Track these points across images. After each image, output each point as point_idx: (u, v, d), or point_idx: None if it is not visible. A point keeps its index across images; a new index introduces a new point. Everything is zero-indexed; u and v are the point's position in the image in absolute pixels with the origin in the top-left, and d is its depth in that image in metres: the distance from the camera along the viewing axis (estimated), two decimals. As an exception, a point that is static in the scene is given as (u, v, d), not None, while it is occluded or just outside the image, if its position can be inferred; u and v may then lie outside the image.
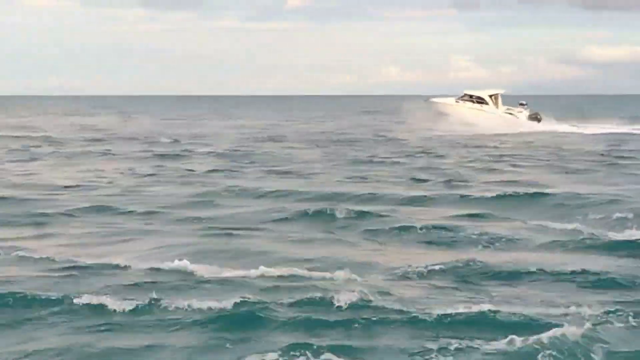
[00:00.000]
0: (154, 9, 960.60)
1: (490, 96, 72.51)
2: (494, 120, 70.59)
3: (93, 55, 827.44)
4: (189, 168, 38.14)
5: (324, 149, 50.44)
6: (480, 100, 72.36)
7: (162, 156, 44.94)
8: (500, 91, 73.57)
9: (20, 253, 18.08)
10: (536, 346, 11.47)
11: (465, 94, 73.44)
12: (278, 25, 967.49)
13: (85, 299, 13.71)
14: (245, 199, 27.39)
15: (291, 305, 13.62)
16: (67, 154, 46.50)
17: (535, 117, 71.76)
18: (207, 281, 15.49)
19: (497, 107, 72.57)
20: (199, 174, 35.66)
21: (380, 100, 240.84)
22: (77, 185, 30.77)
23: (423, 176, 34.40)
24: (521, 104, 73.25)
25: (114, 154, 46.66)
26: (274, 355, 11.27)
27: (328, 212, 23.52)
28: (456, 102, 73.33)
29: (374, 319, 12.86)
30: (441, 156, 45.52)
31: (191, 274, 16.02)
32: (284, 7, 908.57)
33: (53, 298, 13.92)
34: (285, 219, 23.05)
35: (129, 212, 24.32)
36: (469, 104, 72.66)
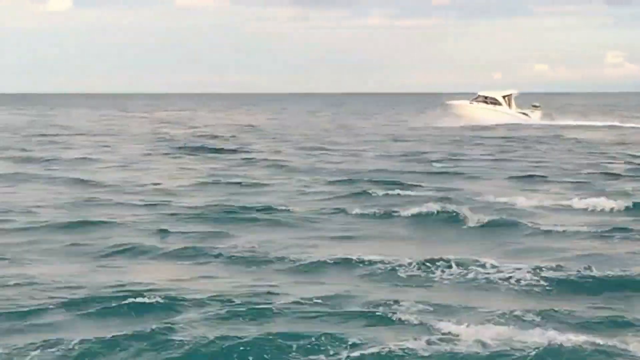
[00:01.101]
0: (303, 7, 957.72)
1: (504, 97, 75.38)
2: (506, 119, 73.28)
3: (244, 53, 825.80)
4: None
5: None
6: (494, 101, 75.16)
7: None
8: (514, 92, 76.47)
9: None
10: None
11: (479, 95, 76.34)
12: (424, 22, 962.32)
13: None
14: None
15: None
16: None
17: (547, 118, 74.64)
18: None
19: (510, 107, 75.35)
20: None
21: (533, 98, 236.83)
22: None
23: None
24: (534, 106, 76.39)
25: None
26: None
27: None
28: (470, 103, 76.08)
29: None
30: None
31: None
32: (431, 4, 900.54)
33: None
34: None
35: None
36: (483, 104, 75.42)
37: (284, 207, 23.02)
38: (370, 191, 26.37)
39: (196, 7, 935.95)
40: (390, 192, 26.26)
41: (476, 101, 76.11)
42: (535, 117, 74.64)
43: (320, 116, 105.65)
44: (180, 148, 46.19)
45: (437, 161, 38.69)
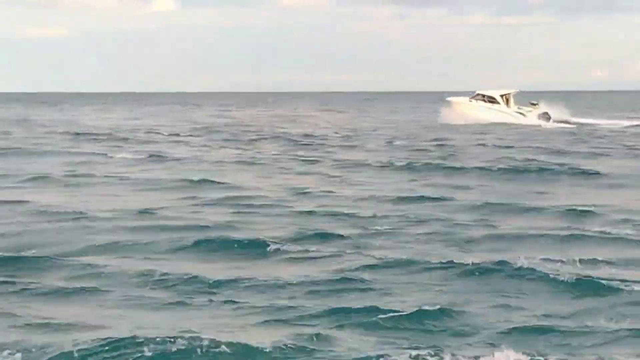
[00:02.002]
0: (401, 5, 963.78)
1: (502, 96, 75.29)
2: (503, 118, 73.38)
3: (347, 52, 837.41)
4: None
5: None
6: (492, 100, 75.25)
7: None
8: (512, 91, 76.25)
9: None
10: None
11: (478, 94, 76.33)
12: (524, 20, 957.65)
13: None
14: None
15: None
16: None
17: (544, 116, 74.40)
18: None
19: (508, 106, 75.35)
20: None
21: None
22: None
23: None
24: (532, 104, 76.11)
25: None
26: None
27: None
28: (469, 101, 76.32)
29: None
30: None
31: None
32: (530, 2, 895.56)
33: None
34: None
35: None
36: (481, 102, 75.57)
37: None
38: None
39: (300, 6, 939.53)
40: None
41: (475, 99, 76.29)
42: (532, 115, 74.46)
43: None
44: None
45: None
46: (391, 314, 12.33)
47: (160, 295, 13.84)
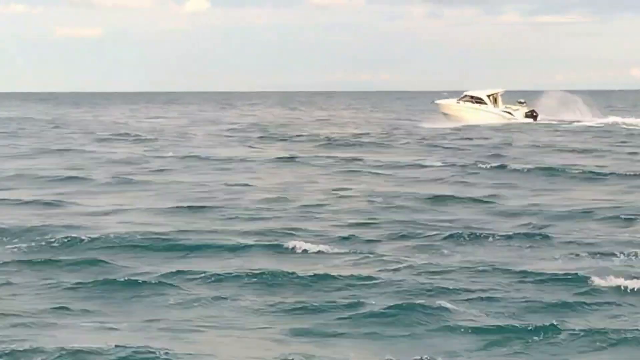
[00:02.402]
0: (438, 4, 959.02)
1: (489, 96, 75.88)
2: (490, 118, 74.00)
3: (380, 51, 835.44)
4: None
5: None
6: (479, 101, 75.83)
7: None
8: (499, 91, 76.86)
9: None
10: None
11: (466, 95, 76.95)
12: (559, 19, 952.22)
13: None
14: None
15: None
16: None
17: (531, 115, 75.05)
18: None
19: (496, 106, 75.94)
20: None
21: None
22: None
23: None
24: (519, 102, 76.81)
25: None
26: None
27: None
28: (457, 103, 76.92)
29: None
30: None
31: None
32: (566, 0, 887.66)
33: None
34: None
35: None
36: (469, 104, 76.15)
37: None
38: None
39: (332, 5, 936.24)
40: None
41: (463, 101, 76.87)
42: (519, 115, 75.07)
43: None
44: None
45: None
46: None
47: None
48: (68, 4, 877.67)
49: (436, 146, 49.71)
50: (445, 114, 76.59)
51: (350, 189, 29.36)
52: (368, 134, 62.24)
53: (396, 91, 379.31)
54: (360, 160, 40.44)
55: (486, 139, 55.79)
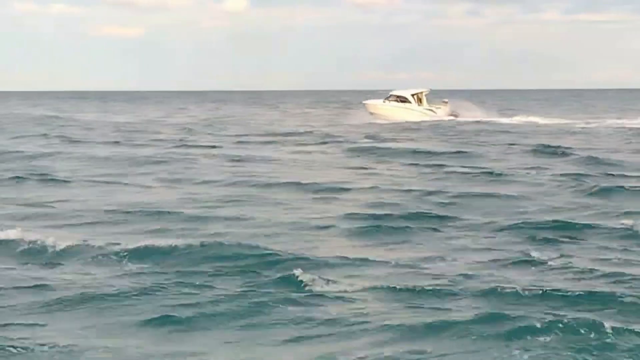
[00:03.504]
0: (477, 3, 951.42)
1: (413, 95, 78.31)
2: (414, 116, 76.35)
3: (418, 49, 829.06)
4: None
5: None
6: (404, 100, 78.20)
7: None
8: (424, 90, 79.31)
9: None
10: None
11: (392, 95, 79.35)
12: (599, 17, 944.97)
13: None
14: None
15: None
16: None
17: (452, 114, 77.68)
18: None
19: (420, 104, 78.31)
20: None
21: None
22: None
23: None
24: (443, 102, 79.41)
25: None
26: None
27: None
28: (383, 102, 79.23)
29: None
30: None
31: None
32: None
33: None
34: None
35: None
36: (395, 103, 78.47)
37: None
38: None
39: (370, 4, 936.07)
40: None
41: (388, 100, 79.18)
42: (442, 113, 77.56)
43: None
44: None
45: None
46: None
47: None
48: (109, 3, 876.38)
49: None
50: (371, 113, 78.88)
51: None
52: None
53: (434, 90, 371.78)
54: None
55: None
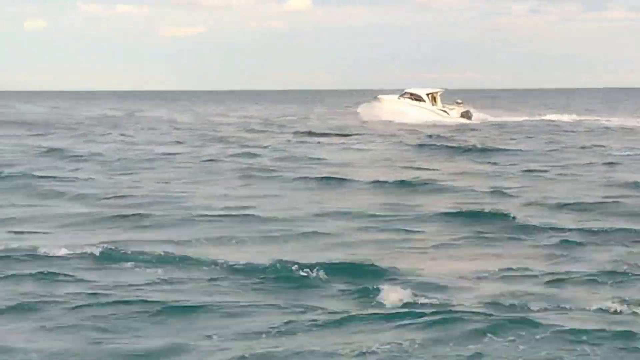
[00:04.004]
0: (540, 0, 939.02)
1: (428, 94, 79.50)
2: (427, 115, 77.59)
3: (481, 48, 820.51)
4: None
5: None
6: (418, 98, 79.42)
7: None
8: (439, 90, 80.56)
9: None
10: None
11: (406, 92, 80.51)
12: None
13: None
14: None
15: None
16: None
17: (466, 115, 78.84)
18: None
19: (434, 104, 79.56)
20: None
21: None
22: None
23: None
24: (457, 102, 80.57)
25: None
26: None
27: None
28: (398, 99, 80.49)
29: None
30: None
31: None
32: None
33: None
34: None
35: None
36: (408, 100, 79.74)
37: None
38: None
39: (433, 3, 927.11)
40: None
41: (403, 97, 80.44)
42: (455, 114, 78.77)
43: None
44: None
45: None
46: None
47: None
48: (172, 3, 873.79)
49: None
50: (385, 109, 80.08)
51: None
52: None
53: (490, 89, 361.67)
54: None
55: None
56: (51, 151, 42.71)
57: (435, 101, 79.58)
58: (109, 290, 14.10)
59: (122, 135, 57.93)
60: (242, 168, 34.72)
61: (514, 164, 37.00)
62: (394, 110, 78.72)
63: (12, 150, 43.51)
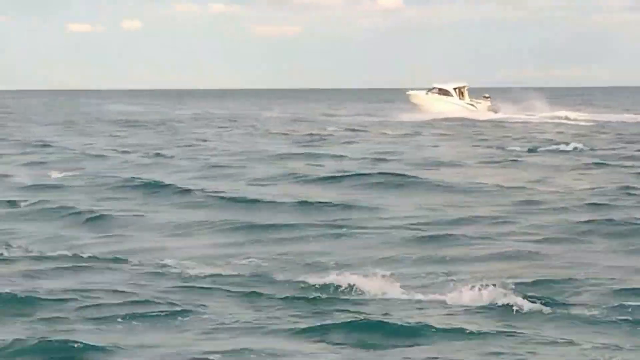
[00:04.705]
0: None
1: (455, 89, 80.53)
2: (455, 109, 78.57)
3: (575, 45, 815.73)
4: None
5: None
6: (446, 93, 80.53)
7: None
8: (465, 84, 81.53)
9: None
10: None
11: (434, 87, 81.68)
12: None
13: None
14: None
15: None
16: None
17: (493, 109, 79.63)
18: None
19: (462, 98, 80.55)
20: None
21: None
22: None
23: None
24: (484, 97, 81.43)
25: None
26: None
27: None
28: (426, 94, 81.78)
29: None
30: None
31: None
32: None
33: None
34: None
35: None
36: (437, 95, 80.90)
37: None
38: None
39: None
40: None
41: (431, 92, 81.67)
42: (482, 107, 79.60)
43: None
44: None
45: None
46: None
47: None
48: (266, 2, 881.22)
49: None
50: (415, 104, 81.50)
51: None
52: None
53: (591, 87, 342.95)
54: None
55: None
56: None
57: (462, 95, 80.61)
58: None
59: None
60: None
61: None
62: (421, 105, 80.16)
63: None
